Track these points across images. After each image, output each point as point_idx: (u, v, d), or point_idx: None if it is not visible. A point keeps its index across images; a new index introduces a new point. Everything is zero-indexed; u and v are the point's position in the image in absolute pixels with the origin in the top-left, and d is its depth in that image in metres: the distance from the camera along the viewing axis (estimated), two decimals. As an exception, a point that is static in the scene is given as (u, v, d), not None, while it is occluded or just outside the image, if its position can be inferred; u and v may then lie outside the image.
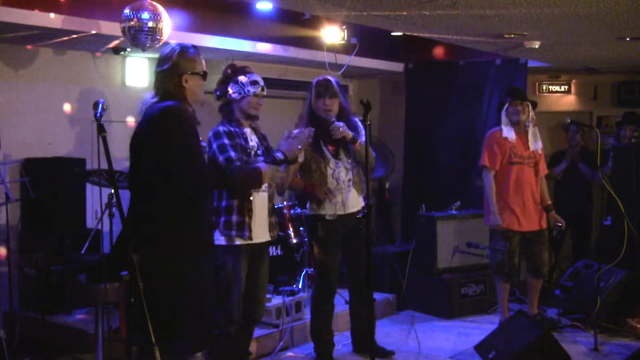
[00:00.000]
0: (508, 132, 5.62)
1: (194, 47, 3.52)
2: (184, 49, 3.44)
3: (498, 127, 5.73)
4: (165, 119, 3.25)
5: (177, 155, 3.22)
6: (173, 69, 3.38)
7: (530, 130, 5.66)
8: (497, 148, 5.61)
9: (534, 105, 5.76)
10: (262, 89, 4.21)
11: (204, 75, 3.48)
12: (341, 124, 4.59)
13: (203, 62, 3.50)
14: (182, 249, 3.28)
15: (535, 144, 5.65)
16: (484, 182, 5.69)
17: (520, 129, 5.65)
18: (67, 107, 5.89)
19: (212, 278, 3.56)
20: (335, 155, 4.80)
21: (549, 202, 5.75)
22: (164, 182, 3.24)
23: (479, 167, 5.75)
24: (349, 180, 4.80)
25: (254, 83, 4.18)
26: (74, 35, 5.04)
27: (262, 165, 3.71)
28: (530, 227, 5.61)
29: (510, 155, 5.60)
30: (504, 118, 5.67)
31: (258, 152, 4.20)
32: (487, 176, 5.64)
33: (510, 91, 5.81)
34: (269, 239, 4.29)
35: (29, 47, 5.59)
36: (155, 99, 3.36)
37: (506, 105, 5.66)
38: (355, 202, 4.85)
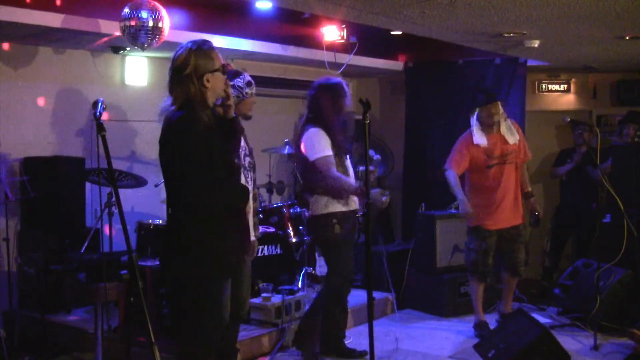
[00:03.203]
0: (480, 139, 5.48)
1: (207, 41, 3.37)
2: (198, 48, 3.30)
3: (469, 130, 5.58)
4: (174, 132, 3.20)
5: (185, 168, 3.18)
6: (193, 73, 3.25)
7: (504, 125, 5.52)
8: (466, 152, 5.50)
9: (503, 101, 5.65)
10: (254, 88, 4.28)
11: (223, 70, 3.37)
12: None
13: (219, 55, 3.38)
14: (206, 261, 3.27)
15: (512, 138, 5.52)
16: (448, 181, 5.51)
17: (494, 129, 5.52)
18: (66, 106, 5.89)
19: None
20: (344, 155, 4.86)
21: (529, 189, 5.67)
22: (181, 193, 3.25)
23: (444, 169, 5.59)
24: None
25: (249, 84, 4.23)
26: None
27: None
28: (504, 224, 5.53)
29: (485, 159, 5.47)
30: (475, 123, 5.53)
31: (246, 152, 4.24)
32: (450, 172, 5.49)
33: (478, 96, 5.66)
34: (253, 238, 4.34)
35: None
36: (174, 107, 3.26)
37: (477, 112, 5.52)
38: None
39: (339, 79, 4.92)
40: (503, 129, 5.53)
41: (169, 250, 3.32)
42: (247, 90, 4.22)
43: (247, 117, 4.25)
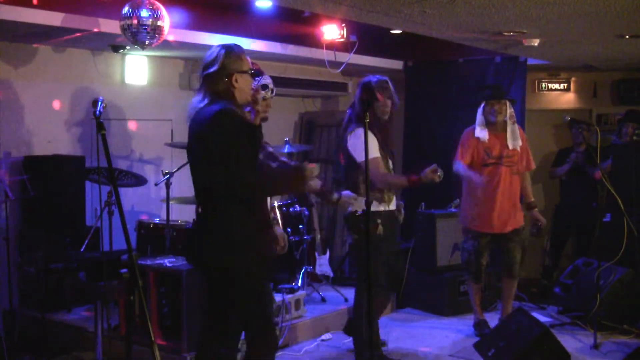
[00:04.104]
0: (480, 132, 5.42)
1: (238, 45, 3.50)
2: (229, 49, 3.42)
3: (472, 126, 5.53)
4: (218, 124, 3.23)
5: (229, 159, 3.21)
6: (221, 71, 3.36)
7: (509, 128, 5.44)
8: (468, 144, 5.45)
9: (513, 102, 5.57)
10: (272, 91, 4.22)
11: (252, 74, 3.48)
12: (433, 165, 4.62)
13: (249, 59, 3.48)
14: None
15: (514, 143, 5.43)
16: (456, 170, 5.44)
17: (497, 128, 5.44)
18: (66, 105, 5.89)
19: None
20: (391, 156, 4.85)
21: (532, 199, 5.59)
22: (221, 186, 3.28)
23: (454, 162, 5.52)
24: None
25: (263, 88, 4.19)
26: (78, 34, 5.04)
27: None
28: (502, 229, 5.43)
29: (483, 157, 5.41)
30: (479, 117, 5.47)
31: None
32: (458, 163, 5.43)
33: (486, 89, 5.61)
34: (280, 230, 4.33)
35: (35, 45, 5.59)
36: (204, 102, 3.34)
37: (482, 105, 5.46)
38: (395, 200, 4.91)
39: (381, 78, 4.83)
40: (507, 131, 5.45)
41: (215, 248, 3.33)
42: (261, 93, 4.20)
43: (262, 119, 4.24)
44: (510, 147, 5.43)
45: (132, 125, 6.33)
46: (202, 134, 3.29)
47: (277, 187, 3.60)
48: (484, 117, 5.46)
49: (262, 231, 3.44)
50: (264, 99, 4.20)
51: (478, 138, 5.44)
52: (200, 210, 3.44)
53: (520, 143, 5.48)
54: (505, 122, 5.44)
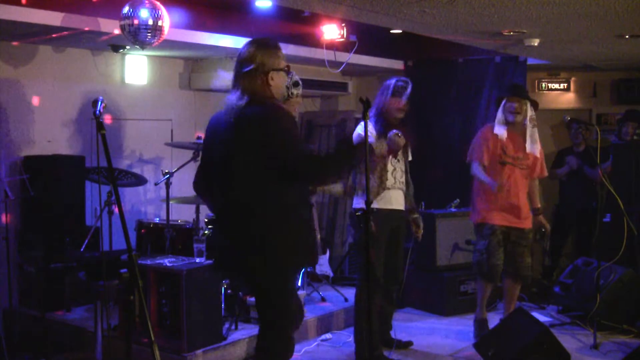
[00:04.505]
0: (499, 129, 5.33)
1: (273, 40, 3.45)
2: (265, 47, 3.37)
3: (490, 122, 5.47)
4: (273, 122, 3.20)
5: (292, 155, 3.19)
6: (259, 69, 3.31)
7: (529, 131, 5.34)
8: (486, 142, 5.36)
9: (535, 105, 5.46)
10: (301, 88, 4.26)
11: (287, 71, 3.45)
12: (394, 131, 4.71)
13: (284, 55, 3.44)
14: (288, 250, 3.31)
15: (532, 146, 5.34)
16: (473, 173, 5.41)
17: (516, 128, 5.35)
18: (66, 105, 5.89)
19: None
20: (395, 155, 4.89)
21: (539, 205, 5.55)
22: (274, 184, 3.23)
23: (468, 162, 5.49)
24: (402, 182, 4.94)
25: (296, 84, 4.20)
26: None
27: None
28: (515, 223, 5.34)
29: (500, 154, 5.33)
30: (499, 114, 5.37)
31: None
32: (477, 166, 5.38)
33: (510, 87, 5.55)
34: None
35: (35, 45, 5.59)
36: (244, 101, 3.27)
37: (503, 101, 5.36)
38: (401, 201, 4.96)
39: (400, 79, 5.01)
40: (527, 133, 5.34)
41: (243, 254, 3.30)
42: (293, 90, 4.20)
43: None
44: (528, 150, 5.34)
45: (132, 125, 6.33)
46: (256, 133, 3.21)
47: (332, 163, 3.44)
48: (503, 116, 5.36)
49: (295, 238, 3.33)
50: (298, 95, 4.22)
51: (496, 135, 5.35)
52: (225, 213, 3.40)
53: (538, 147, 5.40)
54: (524, 125, 5.34)
